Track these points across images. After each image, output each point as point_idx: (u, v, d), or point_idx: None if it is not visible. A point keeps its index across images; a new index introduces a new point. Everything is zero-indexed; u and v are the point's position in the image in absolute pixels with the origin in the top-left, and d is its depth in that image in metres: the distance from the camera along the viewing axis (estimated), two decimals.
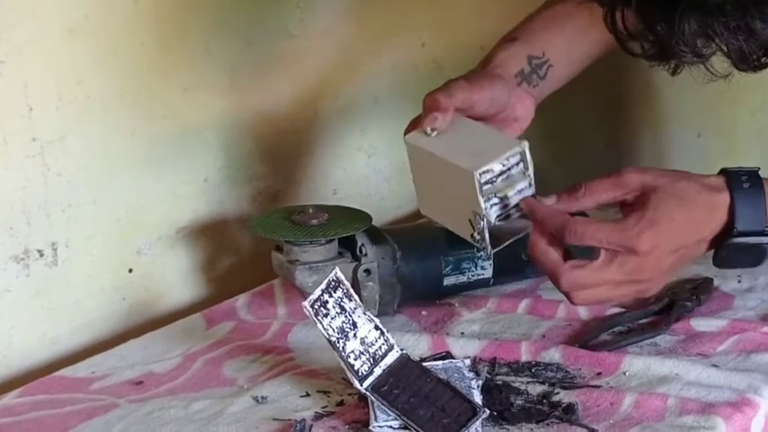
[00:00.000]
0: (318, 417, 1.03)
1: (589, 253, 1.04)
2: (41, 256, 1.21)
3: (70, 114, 1.21)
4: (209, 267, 1.36)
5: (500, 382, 1.07)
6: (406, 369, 1.03)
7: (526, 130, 1.17)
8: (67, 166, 1.21)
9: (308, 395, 1.07)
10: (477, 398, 1.03)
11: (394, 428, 0.99)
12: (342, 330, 1.02)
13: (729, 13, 0.90)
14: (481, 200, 1.04)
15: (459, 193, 1.06)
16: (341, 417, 1.03)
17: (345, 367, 1.01)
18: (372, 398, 1.01)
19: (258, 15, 1.37)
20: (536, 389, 1.06)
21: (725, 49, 0.94)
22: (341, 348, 1.01)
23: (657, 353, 1.13)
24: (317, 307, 1.01)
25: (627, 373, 1.09)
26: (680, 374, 1.07)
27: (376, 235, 1.22)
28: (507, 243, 1.07)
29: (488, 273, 1.26)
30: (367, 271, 1.20)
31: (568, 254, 1.05)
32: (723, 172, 1.06)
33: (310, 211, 1.21)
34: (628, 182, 1.05)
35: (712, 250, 1.07)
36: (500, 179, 1.04)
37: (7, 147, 1.16)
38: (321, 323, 1.01)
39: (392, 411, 0.99)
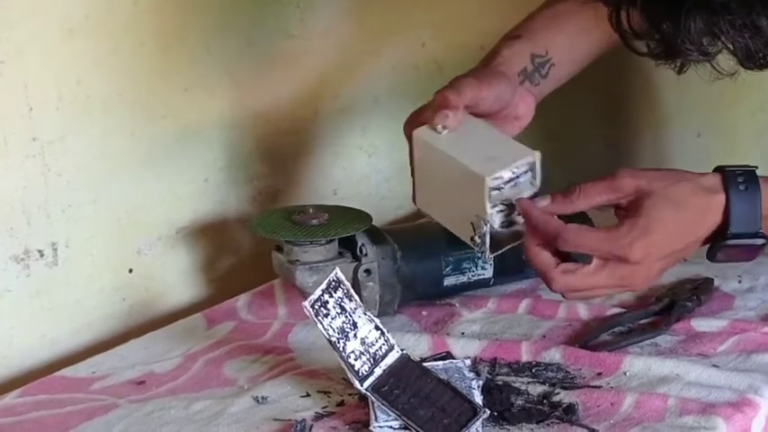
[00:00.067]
0: (319, 417, 1.03)
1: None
2: (42, 256, 1.21)
3: (70, 114, 1.21)
4: (209, 267, 1.36)
5: (500, 383, 1.07)
6: (407, 369, 1.03)
7: (525, 129, 1.17)
8: (68, 166, 1.21)
9: (308, 395, 1.07)
10: (478, 398, 1.03)
11: (394, 429, 0.99)
12: (342, 330, 1.02)
13: (735, 11, 0.90)
14: (488, 205, 1.04)
15: (465, 194, 1.05)
16: (341, 417, 1.03)
17: (346, 367, 1.01)
18: (373, 398, 1.01)
19: (258, 15, 1.37)
20: (536, 389, 1.06)
21: (731, 47, 0.94)
22: (341, 348, 1.01)
23: (658, 353, 1.13)
24: (317, 307, 1.01)
25: (627, 374, 1.09)
26: (680, 375, 1.07)
27: (376, 235, 1.22)
28: (505, 249, 1.07)
29: (489, 273, 1.26)
30: (367, 271, 1.20)
31: (567, 254, 1.05)
32: (720, 171, 1.05)
33: (310, 211, 1.21)
34: (622, 186, 1.04)
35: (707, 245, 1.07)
36: (508, 186, 1.04)
37: (7, 147, 1.16)
38: (321, 323, 1.01)
39: (392, 412, 0.99)
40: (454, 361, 1.09)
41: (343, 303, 1.02)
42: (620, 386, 1.06)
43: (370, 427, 1.00)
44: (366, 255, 1.20)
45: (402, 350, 1.05)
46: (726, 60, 0.96)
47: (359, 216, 1.23)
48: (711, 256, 1.06)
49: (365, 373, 1.02)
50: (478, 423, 0.98)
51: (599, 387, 1.06)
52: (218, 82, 1.35)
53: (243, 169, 1.39)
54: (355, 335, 1.03)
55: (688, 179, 1.05)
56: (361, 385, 1.01)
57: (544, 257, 1.04)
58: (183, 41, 1.31)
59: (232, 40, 1.35)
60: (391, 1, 1.53)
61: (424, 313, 1.24)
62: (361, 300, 1.04)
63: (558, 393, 1.06)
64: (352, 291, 1.03)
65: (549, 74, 1.18)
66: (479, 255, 1.07)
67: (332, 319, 1.02)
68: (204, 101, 1.34)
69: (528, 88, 1.16)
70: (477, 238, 1.06)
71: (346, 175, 1.50)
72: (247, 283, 1.32)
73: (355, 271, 1.20)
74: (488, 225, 1.04)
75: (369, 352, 1.03)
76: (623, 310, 1.22)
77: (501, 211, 1.05)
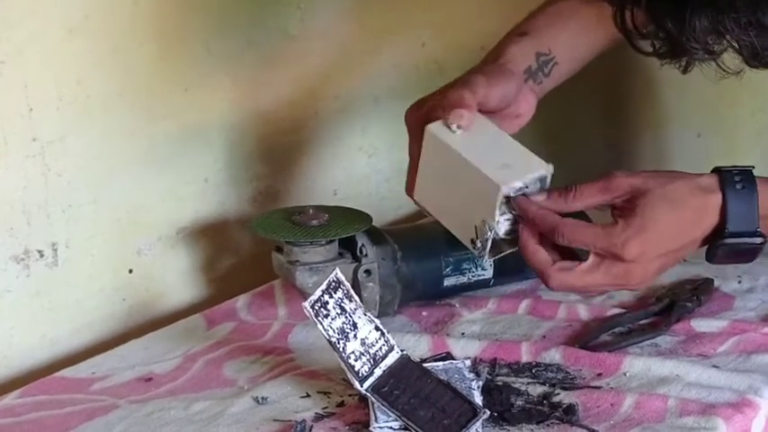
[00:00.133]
0: (319, 417, 1.03)
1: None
2: (42, 256, 1.21)
3: (70, 114, 1.21)
4: (209, 268, 1.36)
5: (500, 383, 1.07)
6: (407, 370, 1.03)
7: (526, 129, 1.17)
8: (68, 167, 1.21)
9: (308, 396, 1.07)
10: (478, 399, 1.03)
11: (394, 429, 0.99)
12: (342, 331, 1.02)
13: (740, 9, 0.90)
14: (497, 213, 1.04)
15: (474, 198, 1.05)
16: (341, 418, 1.03)
17: (346, 368, 1.01)
18: (373, 399, 1.01)
19: (258, 15, 1.37)
20: (536, 389, 1.06)
21: (736, 45, 0.93)
22: (341, 349, 1.01)
23: (658, 354, 1.13)
24: (317, 308, 1.01)
25: (627, 374, 1.09)
26: (680, 375, 1.07)
27: (376, 235, 1.22)
28: (503, 254, 1.08)
29: (489, 273, 1.26)
30: (367, 272, 1.20)
31: (565, 252, 1.04)
32: (716, 171, 1.05)
33: (310, 211, 1.21)
34: (616, 186, 1.04)
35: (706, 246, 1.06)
36: (517, 195, 1.04)
37: (7, 147, 1.16)
38: (321, 324, 1.01)
39: (392, 412, 0.99)
40: (454, 361, 1.09)
41: (343, 304, 1.02)
42: (620, 387, 1.06)
43: (370, 428, 1.00)
44: (366, 255, 1.20)
45: (402, 351, 1.05)
46: (731, 59, 0.96)
47: (359, 216, 1.23)
48: (711, 257, 1.06)
49: (365, 374, 1.02)
50: (478, 424, 0.98)
51: (599, 388, 1.06)
52: (218, 82, 1.35)
53: (243, 169, 1.39)
54: (355, 335, 1.02)
55: (684, 179, 1.04)
56: (361, 386, 1.01)
57: (541, 255, 1.04)
58: (183, 41, 1.31)
59: (232, 40, 1.35)
60: (391, 1, 1.53)
61: (424, 314, 1.24)
62: (361, 300, 1.04)
63: (558, 394, 1.06)
64: (352, 291, 1.03)
65: (552, 72, 1.18)
66: (477, 257, 1.07)
67: (332, 319, 1.02)
68: (204, 101, 1.34)
69: (531, 86, 1.16)
70: (478, 242, 1.06)
71: (346, 175, 1.50)
72: (247, 283, 1.32)
73: (355, 271, 1.20)
74: (493, 231, 1.04)
75: (369, 352, 1.03)
76: (623, 310, 1.22)
77: (507, 219, 1.05)
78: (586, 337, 1.16)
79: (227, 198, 1.38)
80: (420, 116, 1.11)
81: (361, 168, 1.52)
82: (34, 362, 1.22)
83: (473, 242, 1.06)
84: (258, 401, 1.06)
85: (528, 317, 1.23)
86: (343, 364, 1.01)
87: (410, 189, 1.13)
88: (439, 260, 1.23)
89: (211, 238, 1.36)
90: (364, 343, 1.03)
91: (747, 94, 1.82)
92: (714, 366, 1.09)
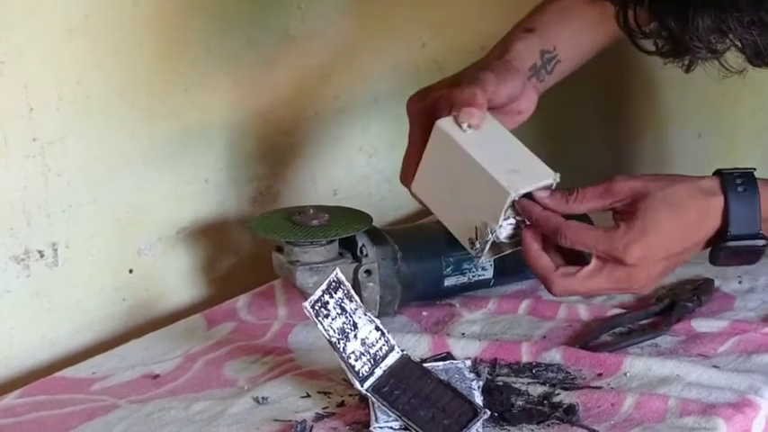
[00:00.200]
0: (319, 418, 1.03)
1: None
2: (42, 256, 1.21)
3: (70, 114, 1.21)
4: (209, 268, 1.36)
5: (501, 383, 1.07)
6: (407, 370, 1.03)
7: (526, 128, 1.17)
8: (68, 167, 1.21)
9: (308, 396, 1.07)
10: (478, 399, 1.03)
11: (394, 429, 0.99)
12: (342, 331, 1.02)
13: (743, 7, 0.90)
14: (502, 218, 1.04)
15: (478, 199, 1.05)
16: (341, 418, 1.02)
17: (346, 368, 1.01)
18: (373, 399, 1.01)
19: (258, 15, 1.37)
20: (537, 390, 1.06)
21: (739, 44, 0.93)
22: (341, 349, 1.01)
23: (658, 354, 1.13)
24: (317, 308, 1.01)
25: (628, 374, 1.09)
26: (681, 375, 1.07)
27: (377, 235, 1.22)
28: (500, 254, 1.08)
29: (489, 273, 1.26)
30: (368, 272, 1.20)
31: (567, 254, 1.05)
32: (718, 173, 1.05)
33: (311, 211, 1.21)
34: (617, 190, 1.04)
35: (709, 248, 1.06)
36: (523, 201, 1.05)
37: (7, 147, 1.16)
38: (322, 324, 1.01)
39: (393, 412, 0.99)
40: (454, 362, 1.09)
41: (343, 304, 1.02)
42: (621, 387, 1.06)
43: (371, 428, 1.00)
44: (366, 255, 1.20)
45: (402, 351, 1.05)
46: (734, 58, 0.96)
47: (359, 216, 1.23)
48: (714, 260, 1.06)
49: (365, 374, 1.02)
50: (479, 424, 0.98)
51: (599, 388, 1.06)
52: (218, 82, 1.35)
53: (243, 169, 1.39)
54: (355, 335, 1.02)
55: (685, 182, 1.04)
56: (362, 386, 1.01)
57: (544, 261, 1.05)
58: (183, 41, 1.31)
59: (232, 40, 1.35)
60: (391, 1, 1.53)
61: (424, 314, 1.24)
62: (361, 300, 1.04)
63: (558, 394, 1.05)
64: (352, 291, 1.03)
65: (554, 70, 1.18)
66: (474, 257, 1.07)
67: (332, 319, 1.02)
68: (204, 101, 1.34)
69: (533, 83, 1.16)
70: (477, 243, 1.06)
71: (346, 175, 1.50)
72: (247, 283, 1.32)
73: (355, 271, 1.20)
74: (494, 234, 1.04)
75: (369, 353, 1.03)
76: (623, 310, 1.22)
77: (510, 224, 1.05)
78: (587, 338, 1.16)
79: (228, 198, 1.38)
80: (423, 107, 1.11)
81: (361, 168, 1.52)
82: (34, 362, 1.22)
83: (471, 242, 1.06)
84: (258, 401, 1.06)
85: (528, 317, 1.23)
86: (343, 364, 1.01)
87: (406, 178, 1.12)
88: (439, 260, 1.23)
89: (211, 238, 1.36)
90: (364, 343, 1.03)
91: (748, 94, 1.82)
92: (714, 366, 1.09)
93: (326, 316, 1.01)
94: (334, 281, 1.02)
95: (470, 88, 1.07)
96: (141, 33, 1.26)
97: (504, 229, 1.05)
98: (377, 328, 1.04)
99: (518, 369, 1.11)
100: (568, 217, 1.04)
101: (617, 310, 1.22)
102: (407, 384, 1.02)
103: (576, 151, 1.72)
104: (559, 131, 1.67)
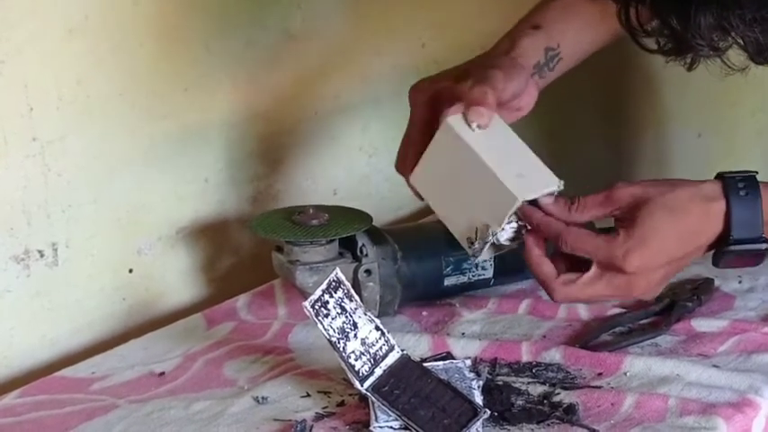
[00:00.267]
0: (319, 417, 1.03)
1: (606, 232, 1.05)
2: (42, 256, 1.21)
3: (70, 114, 1.20)
4: (209, 267, 1.36)
5: (501, 383, 1.07)
6: (407, 369, 1.03)
7: (526, 128, 1.16)
8: (68, 166, 1.21)
9: (308, 396, 1.07)
10: (478, 398, 1.03)
11: (394, 429, 0.99)
12: (342, 331, 1.02)
13: (745, 5, 0.90)
14: (505, 221, 1.04)
15: (482, 200, 1.05)
16: (341, 417, 1.02)
17: (346, 368, 1.01)
18: (373, 398, 1.01)
19: (258, 15, 1.37)
20: (537, 389, 1.06)
21: (741, 42, 0.93)
22: (341, 349, 1.01)
23: (658, 353, 1.13)
24: (317, 307, 1.01)
25: (628, 374, 1.09)
26: (681, 375, 1.07)
27: (376, 235, 1.22)
28: (496, 254, 1.08)
29: (489, 273, 1.26)
30: (367, 271, 1.20)
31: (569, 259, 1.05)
32: (720, 177, 1.04)
33: (311, 211, 1.21)
34: (617, 197, 1.04)
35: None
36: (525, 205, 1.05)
37: (7, 147, 1.16)
38: (322, 323, 1.01)
39: (393, 412, 0.99)
40: (454, 361, 1.09)
41: (343, 304, 1.02)
42: (621, 386, 1.06)
43: (371, 428, 1.00)
44: (366, 255, 1.20)
45: (402, 350, 1.05)
46: (736, 56, 0.96)
47: (359, 216, 1.23)
48: (716, 263, 1.06)
49: (365, 374, 1.02)
50: (479, 423, 0.98)
51: (599, 387, 1.06)
52: (218, 82, 1.35)
53: (243, 169, 1.39)
54: (355, 335, 1.02)
55: (686, 186, 1.04)
56: (362, 385, 1.01)
57: (545, 268, 1.05)
58: (183, 41, 1.31)
59: (232, 40, 1.35)
60: (391, 1, 1.53)
61: (424, 313, 1.24)
62: (361, 300, 1.04)
63: (558, 393, 1.05)
64: (352, 291, 1.03)
65: (556, 67, 1.17)
66: (471, 256, 1.07)
67: (332, 319, 1.02)
68: (204, 101, 1.34)
69: (535, 80, 1.16)
70: (477, 243, 1.06)
71: (346, 175, 1.50)
72: (247, 283, 1.32)
73: (355, 271, 1.20)
74: (495, 237, 1.05)
75: (369, 352, 1.03)
76: (623, 310, 1.22)
77: (512, 227, 1.05)
78: (587, 337, 1.16)
79: (228, 198, 1.38)
80: (428, 98, 1.10)
81: (361, 168, 1.52)
82: (34, 362, 1.22)
83: (470, 241, 1.06)
84: (258, 401, 1.06)
85: (528, 317, 1.23)
86: (343, 364, 1.01)
87: (402, 166, 1.12)
88: (439, 260, 1.23)
89: (211, 237, 1.36)
90: (364, 342, 1.03)
91: (748, 94, 1.82)
92: (714, 366, 1.09)
93: (326, 315, 1.01)
94: (333, 280, 1.02)
95: (481, 87, 1.07)
96: (141, 33, 1.26)
97: (506, 231, 1.05)
98: (377, 328, 1.04)
99: (518, 369, 1.11)
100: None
101: (617, 310, 1.22)
102: (407, 384, 1.02)
103: (576, 150, 1.72)
104: (559, 131, 1.67)
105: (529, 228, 1.05)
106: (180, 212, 1.33)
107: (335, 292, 1.02)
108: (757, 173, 1.04)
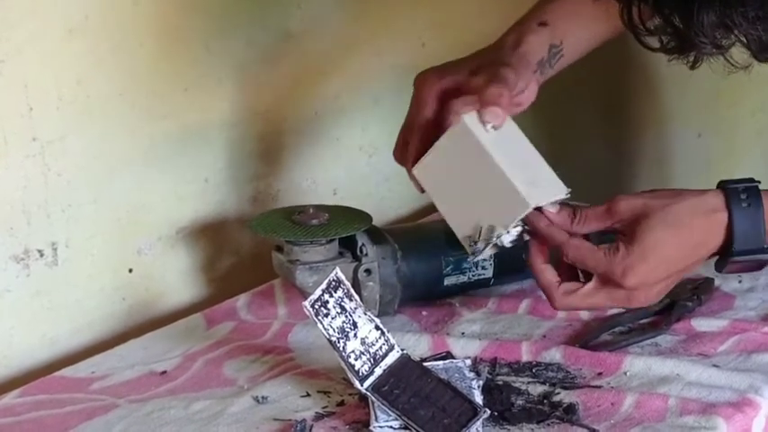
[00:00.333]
0: (319, 417, 1.03)
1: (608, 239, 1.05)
2: (41, 256, 1.21)
3: (70, 114, 1.20)
4: (209, 267, 1.36)
5: (501, 383, 1.07)
6: (407, 369, 1.03)
7: (525, 124, 1.16)
8: (68, 166, 1.21)
9: (308, 395, 1.06)
10: (478, 398, 1.03)
11: (394, 429, 0.99)
12: (342, 330, 1.02)
13: (748, 3, 0.90)
14: (512, 225, 1.04)
15: (491, 201, 1.05)
16: (341, 417, 1.02)
17: (346, 367, 1.01)
18: (373, 398, 1.01)
19: (258, 15, 1.37)
20: (537, 389, 1.06)
21: (744, 40, 0.93)
22: (341, 348, 1.01)
23: (658, 353, 1.13)
24: (317, 307, 1.01)
25: (628, 374, 1.09)
26: (681, 374, 1.07)
27: (376, 235, 1.22)
28: (492, 254, 1.09)
29: (489, 273, 1.26)
30: (367, 271, 1.20)
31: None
32: (722, 187, 1.04)
33: (310, 210, 1.21)
34: (618, 210, 1.04)
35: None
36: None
37: (7, 147, 1.16)
38: (321, 323, 1.01)
39: (393, 411, 0.99)
40: (454, 361, 1.09)
41: (343, 303, 1.02)
42: (621, 386, 1.06)
43: (371, 427, 1.00)
44: (366, 254, 1.20)
45: (402, 350, 1.05)
46: (739, 53, 0.96)
47: (359, 216, 1.23)
48: (718, 269, 1.06)
49: (365, 373, 1.02)
50: (479, 423, 0.98)
51: (599, 387, 1.06)
52: (218, 82, 1.35)
53: (243, 169, 1.39)
54: (355, 335, 1.02)
55: (688, 199, 1.04)
56: (362, 385, 1.01)
57: (548, 275, 1.06)
58: (182, 41, 1.31)
59: (232, 40, 1.35)
60: (391, 1, 1.53)
61: (424, 313, 1.24)
62: (361, 299, 1.04)
63: (558, 393, 1.05)
64: (352, 290, 1.03)
65: (556, 64, 1.17)
66: (470, 254, 1.07)
67: (332, 318, 1.01)
68: (204, 101, 1.34)
69: (537, 76, 1.16)
70: (479, 243, 1.06)
71: (346, 175, 1.50)
72: (247, 283, 1.32)
73: (355, 271, 1.20)
74: (498, 239, 1.05)
75: (369, 352, 1.03)
76: (623, 310, 1.22)
77: (517, 231, 1.05)
78: (587, 337, 1.16)
79: (227, 198, 1.38)
80: (436, 89, 1.10)
81: (361, 168, 1.52)
82: (34, 361, 1.22)
83: (471, 240, 1.06)
84: (258, 401, 1.06)
85: (528, 316, 1.23)
86: (343, 364, 1.01)
87: (402, 155, 1.12)
88: (439, 259, 1.23)
89: (211, 237, 1.36)
90: (364, 342, 1.03)
91: (748, 94, 1.82)
92: (714, 366, 1.09)
93: (326, 315, 1.01)
94: (333, 280, 1.02)
95: (498, 87, 1.06)
96: (141, 33, 1.26)
97: (510, 235, 1.06)
98: (377, 328, 1.04)
99: (518, 368, 1.11)
100: None
101: (617, 310, 1.22)
102: (407, 383, 1.02)
103: (576, 150, 1.72)
104: (559, 131, 1.67)
105: (530, 231, 1.05)
106: (180, 212, 1.33)
107: (335, 292, 1.02)
108: (759, 182, 1.04)
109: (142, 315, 1.30)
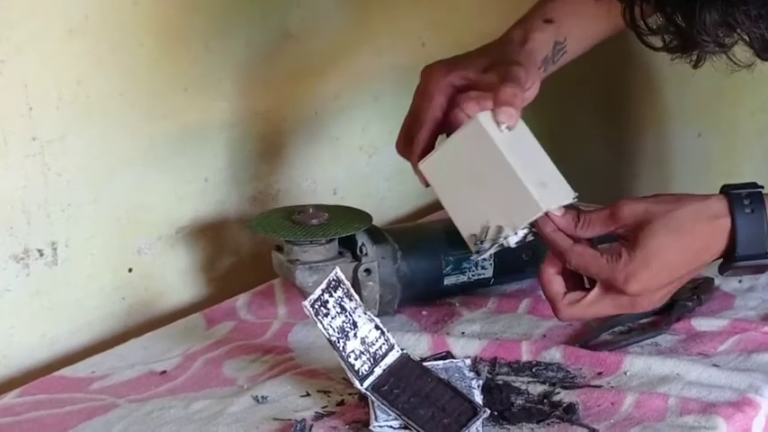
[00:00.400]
0: (319, 417, 1.03)
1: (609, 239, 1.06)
2: (41, 255, 1.21)
3: (70, 114, 1.20)
4: (209, 267, 1.36)
5: (501, 382, 1.07)
6: (407, 369, 1.03)
7: (526, 123, 1.16)
8: (67, 166, 1.21)
9: (308, 395, 1.06)
10: (478, 398, 1.03)
11: (394, 428, 0.99)
12: (342, 330, 1.02)
13: (750, 1, 0.90)
14: (521, 227, 1.05)
15: (501, 202, 1.05)
16: (341, 416, 1.02)
17: (346, 367, 1.01)
18: (373, 398, 1.01)
19: (258, 15, 1.37)
20: (537, 389, 1.06)
21: (746, 38, 0.93)
22: (341, 348, 1.01)
23: (658, 352, 1.13)
24: (317, 307, 1.01)
25: (628, 373, 1.09)
26: (681, 374, 1.07)
27: (376, 234, 1.22)
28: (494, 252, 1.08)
29: (489, 272, 1.26)
30: (367, 270, 1.20)
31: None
32: (725, 192, 1.04)
33: (310, 210, 1.21)
34: (621, 215, 1.04)
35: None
36: None
37: (7, 146, 1.16)
38: (321, 323, 1.01)
39: (392, 411, 0.99)
40: (454, 360, 1.09)
41: (343, 303, 1.02)
42: (621, 386, 1.06)
43: (370, 427, 0.99)
44: (366, 254, 1.20)
45: (402, 350, 1.05)
46: (742, 52, 0.96)
47: (359, 216, 1.23)
48: (721, 273, 1.06)
49: (365, 373, 1.02)
50: (479, 423, 0.98)
51: (599, 387, 1.06)
52: (218, 82, 1.35)
53: (243, 169, 1.39)
54: (355, 334, 1.02)
55: (690, 205, 1.04)
56: (361, 385, 1.01)
57: (554, 287, 1.06)
58: (183, 41, 1.31)
59: (232, 40, 1.35)
60: (391, 1, 1.53)
61: (424, 313, 1.24)
62: (361, 299, 1.04)
63: (558, 393, 1.05)
64: (352, 290, 1.03)
65: (559, 60, 1.17)
66: (473, 253, 1.07)
67: (332, 318, 1.01)
68: (204, 101, 1.34)
69: (540, 73, 1.15)
70: (485, 243, 1.06)
71: (346, 174, 1.50)
72: (247, 282, 1.32)
73: (355, 270, 1.20)
74: (505, 239, 1.05)
75: (369, 351, 1.03)
76: None
77: (524, 233, 1.05)
78: (587, 336, 1.16)
79: (227, 197, 1.38)
80: (445, 83, 1.10)
81: (361, 168, 1.52)
82: (34, 361, 1.22)
83: (476, 239, 1.06)
84: (258, 400, 1.06)
85: (528, 316, 1.23)
86: (343, 363, 1.01)
87: (407, 149, 1.12)
88: (439, 259, 1.23)
89: (211, 237, 1.36)
90: (364, 342, 1.03)
91: (748, 93, 1.82)
92: (714, 365, 1.09)
93: (326, 315, 1.01)
94: (333, 280, 1.02)
95: (512, 87, 1.06)
96: (141, 33, 1.26)
97: (517, 236, 1.06)
98: (376, 327, 1.04)
99: (518, 368, 1.10)
100: None
101: None
102: (407, 383, 1.02)
103: (576, 150, 1.72)
104: (559, 130, 1.67)
105: (535, 233, 1.05)
106: (180, 212, 1.33)
107: (335, 292, 1.02)
108: (763, 187, 1.04)
109: (142, 315, 1.30)
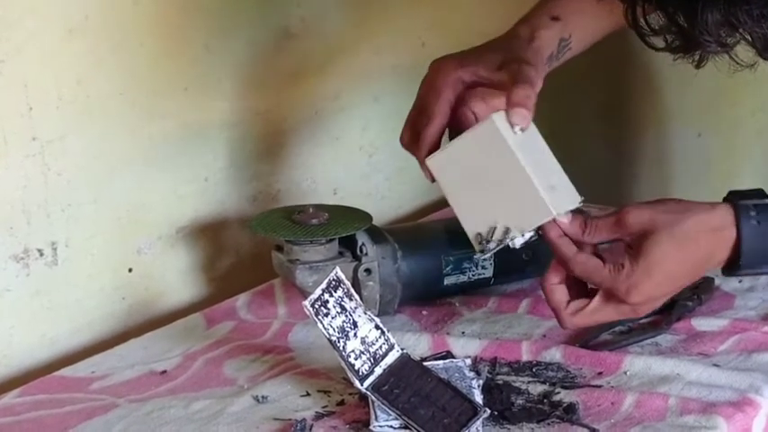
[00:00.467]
0: (319, 416, 1.03)
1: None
2: (41, 255, 1.21)
3: (70, 114, 1.20)
4: (209, 267, 1.36)
5: (501, 382, 1.07)
6: (407, 369, 1.03)
7: None
8: (67, 166, 1.21)
9: (308, 395, 1.06)
10: (478, 397, 1.03)
11: (394, 428, 0.99)
12: (342, 330, 1.02)
13: (752, 0, 0.90)
14: (529, 230, 1.05)
15: (510, 204, 1.05)
16: (341, 416, 1.02)
17: (346, 367, 1.01)
18: (373, 397, 1.01)
19: (258, 15, 1.37)
20: (537, 388, 1.06)
21: (749, 38, 0.93)
22: (341, 348, 1.01)
23: (658, 352, 1.13)
24: (317, 306, 1.01)
25: (628, 373, 1.09)
26: (681, 374, 1.07)
27: (376, 234, 1.22)
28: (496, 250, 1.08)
29: (489, 272, 1.26)
30: (367, 270, 1.20)
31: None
32: (732, 201, 1.04)
33: (310, 210, 1.21)
34: (627, 223, 1.04)
35: None
36: None
37: (7, 146, 1.16)
38: (321, 323, 1.01)
39: (393, 411, 0.99)
40: (454, 360, 1.09)
41: (343, 303, 1.02)
42: (621, 385, 1.06)
43: (371, 427, 0.99)
44: (366, 254, 1.20)
45: (402, 349, 1.05)
46: (744, 52, 0.96)
47: (359, 215, 1.23)
48: (725, 275, 1.07)
49: (365, 373, 1.02)
50: (479, 422, 0.98)
51: (599, 386, 1.06)
52: (218, 82, 1.35)
53: (243, 169, 1.39)
54: (355, 334, 1.02)
55: (696, 215, 1.04)
56: (362, 384, 1.01)
57: (558, 296, 1.06)
58: (182, 41, 1.31)
59: (232, 40, 1.35)
60: (391, 1, 1.53)
61: (424, 313, 1.24)
62: (361, 299, 1.04)
63: (558, 393, 1.05)
64: (352, 290, 1.03)
65: (562, 57, 1.17)
66: (477, 252, 1.07)
67: (332, 318, 1.01)
68: (204, 101, 1.34)
69: (544, 70, 1.15)
70: (492, 243, 1.06)
71: (346, 174, 1.50)
72: (247, 282, 1.32)
73: (355, 270, 1.20)
74: (512, 241, 1.05)
75: (369, 351, 1.03)
76: None
77: (530, 235, 1.05)
78: (587, 336, 1.16)
79: (227, 197, 1.38)
80: (454, 79, 1.10)
81: (361, 167, 1.52)
82: (34, 361, 1.22)
83: (481, 238, 1.06)
84: (258, 400, 1.06)
85: (528, 316, 1.23)
86: (343, 363, 1.01)
87: (413, 143, 1.11)
88: (439, 259, 1.23)
89: (211, 237, 1.36)
90: (364, 342, 1.03)
91: (748, 93, 1.82)
92: (715, 365, 1.09)
93: (326, 315, 1.01)
94: (333, 279, 1.02)
95: (525, 89, 1.06)
96: (141, 33, 1.26)
97: (523, 238, 1.06)
98: (377, 327, 1.04)
99: (518, 368, 1.10)
100: None
101: None
102: (407, 383, 1.02)
103: (576, 150, 1.71)
104: (559, 130, 1.66)
105: (541, 235, 1.06)
106: (180, 212, 1.33)
107: (335, 292, 1.02)
108: None
109: (142, 315, 1.30)
